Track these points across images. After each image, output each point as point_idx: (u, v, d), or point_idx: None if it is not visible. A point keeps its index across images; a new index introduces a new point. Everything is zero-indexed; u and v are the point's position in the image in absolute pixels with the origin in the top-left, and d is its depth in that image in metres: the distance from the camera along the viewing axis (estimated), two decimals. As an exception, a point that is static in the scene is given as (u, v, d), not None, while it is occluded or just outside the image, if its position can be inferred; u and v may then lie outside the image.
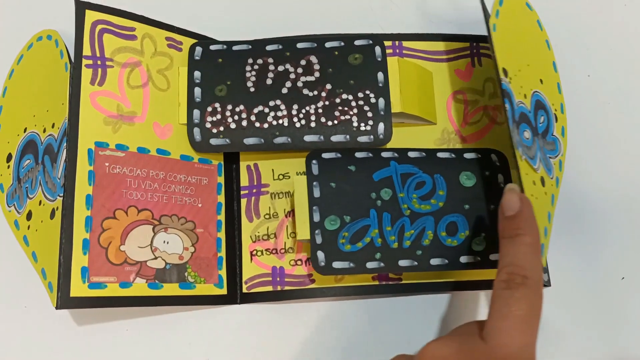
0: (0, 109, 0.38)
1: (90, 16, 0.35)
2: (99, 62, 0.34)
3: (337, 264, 0.34)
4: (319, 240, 0.34)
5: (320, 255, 0.34)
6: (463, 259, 0.34)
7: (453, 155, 0.36)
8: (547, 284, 0.36)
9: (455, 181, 0.36)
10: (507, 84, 0.34)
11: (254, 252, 0.36)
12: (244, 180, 0.38)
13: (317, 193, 0.35)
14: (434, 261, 0.34)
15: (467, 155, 0.36)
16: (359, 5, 0.43)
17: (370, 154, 0.36)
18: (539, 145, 0.35)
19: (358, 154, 0.36)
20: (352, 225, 0.34)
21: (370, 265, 0.34)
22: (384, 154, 0.36)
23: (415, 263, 0.34)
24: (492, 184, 0.36)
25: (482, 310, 0.37)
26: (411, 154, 0.36)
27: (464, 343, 0.27)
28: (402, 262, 0.34)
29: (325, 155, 0.36)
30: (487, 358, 0.26)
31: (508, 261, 0.28)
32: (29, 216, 0.35)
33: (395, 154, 0.36)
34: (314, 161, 0.35)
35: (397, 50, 0.41)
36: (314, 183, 0.35)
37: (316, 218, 0.34)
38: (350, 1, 0.43)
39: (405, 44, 0.41)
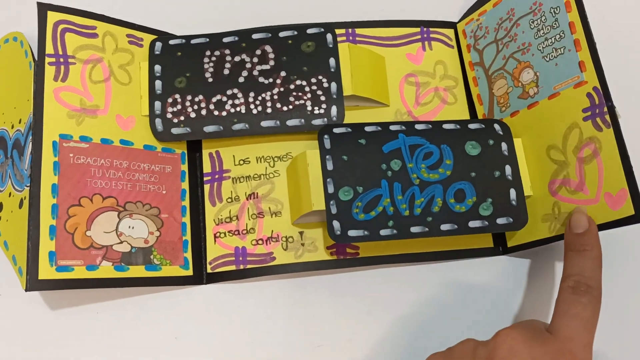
0: (-28, 109, 0.40)
1: (52, 17, 0.37)
2: (61, 60, 0.36)
3: (352, 232, 0.35)
4: (334, 210, 0.35)
5: (336, 224, 0.35)
6: (472, 224, 0.36)
7: (458, 126, 0.38)
8: None
9: (461, 150, 0.37)
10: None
11: (218, 234, 0.38)
12: (206, 167, 0.40)
13: (330, 166, 0.36)
14: (444, 227, 0.36)
15: (472, 126, 0.38)
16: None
17: (379, 128, 0.37)
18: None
19: (367, 128, 0.37)
20: (364, 196, 0.36)
21: (383, 232, 0.35)
22: (392, 127, 0.37)
23: (427, 229, 0.36)
24: (496, 151, 0.37)
25: (429, 282, 0.39)
26: (418, 127, 0.38)
27: (535, 334, 0.31)
28: (414, 229, 0.36)
29: (336, 130, 0.37)
30: (557, 348, 0.30)
31: (575, 271, 0.33)
32: (0, 208, 0.36)
33: (403, 127, 0.37)
34: (325, 136, 0.37)
35: (351, 37, 0.42)
36: (327, 157, 0.36)
37: (330, 190, 0.35)
38: None
39: (358, 30, 0.43)
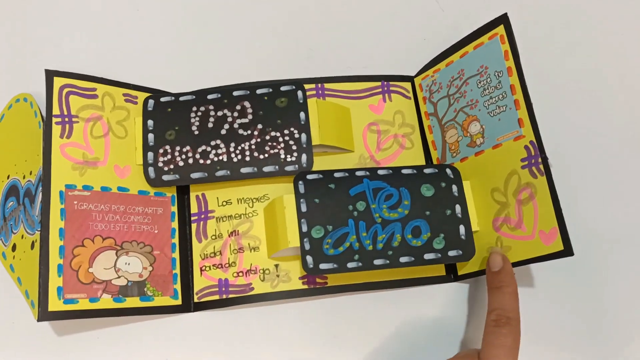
0: (-14, 160, 0.46)
1: (58, 82, 0.42)
2: (66, 119, 0.42)
3: (323, 265, 0.40)
4: (307, 246, 0.40)
5: (309, 259, 0.40)
6: (427, 256, 0.41)
7: (415, 171, 0.43)
8: (571, 252, 0.39)
9: (417, 192, 0.43)
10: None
11: (203, 268, 0.44)
12: (194, 208, 0.45)
13: (304, 208, 0.41)
14: (403, 259, 0.41)
15: (427, 171, 0.43)
16: (286, 55, 0.51)
17: (347, 174, 0.43)
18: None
19: (336, 174, 0.43)
20: (334, 233, 0.41)
21: (350, 265, 0.41)
22: (358, 173, 0.43)
23: (388, 261, 0.41)
24: (448, 193, 0.43)
25: (390, 307, 0.44)
26: (380, 172, 0.43)
27: None
28: (377, 261, 0.41)
29: (309, 177, 0.42)
30: None
31: (496, 306, 0.39)
32: (14, 248, 0.42)
33: (367, 172, 0.43)
34: (300, 182, 0.42)
35: (320, 92, 0.48)
36: (301, 200, 0.41)
37: (304, 228, 0.41)
38: (280, 52, 0.51)
39: (327, 85, 0.49)
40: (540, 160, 0.40)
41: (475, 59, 0.44)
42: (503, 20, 0.43)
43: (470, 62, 0.45)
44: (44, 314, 0.37)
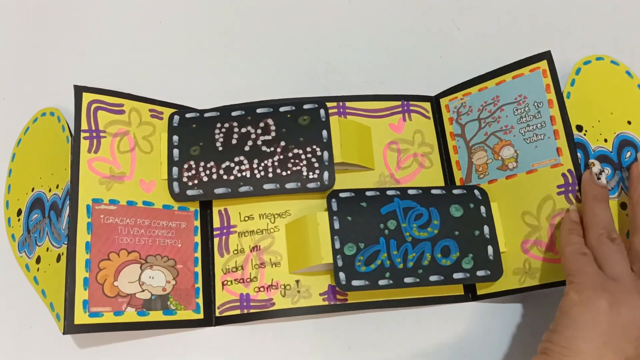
0: (10, 172, 0.46)
1: (87, 97, 0.43)
2: (94, 134, 0.43)
3: (355, 282, 0.41)
4: (340, 263, 0.41)
5: (342, 275, 0.41)
6: (456, 276, 0.42)
7: (444, 192, 0.44)
8: None
9: (446, 212, 0.43)
10: (584, 137, 0.44)
11: (225, 282, 0.44)
12: (216, 223, 0.46)
13: (337, 225, 0.42)
14: (433, 278, 0.42)
15: (456, 191, 0.44)
16: (307, 71, 0.52)
17: (378, 193, 0.43)
18: (621, 176, 0.44)
19: (368, 193, 0.43)
20: (365, 251, 0.42)
21: (381, 282, 0.41)
22: (389, 192, 0.44)
23: (418, 280, 0.41)
24: (476, 214, 0.44)
25: (407, 324, 0.44)
26: (410, 192, 0.44)
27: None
28: (407, 280, 0.41)
29: (342, 195, 0.43)
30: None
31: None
32: (38, 260, 0.42)
33: (398, 192, 0.44)
34: (333, 200, 0.43)
35: (341, 110, 0.49)
36: (334, 217, 0.42)
37: (337, 245, 0.41)
38: (300, 69, 0.52)
39: (348, 104, 0.49)
40: (577, 187, 0.42)
41: (513, 88, 0.46)
42: (546, 56, 0.45)
43: (507, 90, 0.46)
44: (70, 327, 0.38)
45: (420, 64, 0.52)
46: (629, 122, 0.46)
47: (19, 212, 0.44)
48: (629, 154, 0.45)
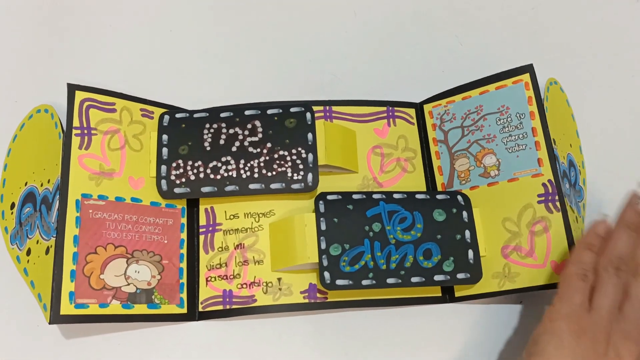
0: (5, 167, 0.48)
1: (79, 95, 0.45)
2: (85, 132, 0.44)
3: (339, 282, 0.42)
4: (325, 263, 0.42)
5: (327, 274, 0.42)
6: (436, 278, 0.43)
7: (428, 197, 0.46)
8: None
9: (429, 216, 0.45)
10: (556, 149, 0.46)
11: (209, 278, 0.45)
12: (202, 220, 0.47)
13: (323, 226, 0.43)
14: (414, 279, 0.43)
15: (439, 197, 0.46)
16: (312, 80, 0.54)
17: (364, 196, 0.45)
18: (573, 193, 0.46)
19: (355, 196, 0.45)
20: (350, 252, 0.43)
21: (365, 282, 0.43)
22: (375, 196, 0.45)
23: (400, 281, 0.43)
24: (458, 218, 0.45)
25: (382, 321, 0.45)
26: (395, 196, 0.45)
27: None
28: (390, 280, 0.43)
29: (329, 197, 0.44)
30: None
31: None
32: (28, 252, 0.43)
33: (383, 196, 0.45)
34: (320, 202, 0.44)
35: (328, 114, 0.50)
36: (321, 219, 0.43)
37: (323, 246, 0.43)
38: (305, 79, 0.53)
39: (334, 108, 0.51)
40: (557, 197, 0.43)
41: (497, 98, 0.48)
42: (529, 69, 0.47)
43: (490, 100, 0.48)
44: (56, 317, 0.39)
45: (419, 77, 0.54)
46: (570, 145, 0.49)
47: (12, 206, 0.46)
48: (572, 173, 0.48)
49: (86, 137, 0.44)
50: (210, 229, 0.47)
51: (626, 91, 0.54)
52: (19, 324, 0.44)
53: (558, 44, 0.56)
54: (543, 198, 0.44)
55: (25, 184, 0.46)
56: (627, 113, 0.53)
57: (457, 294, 0.46)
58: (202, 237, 0.46)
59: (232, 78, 0.53)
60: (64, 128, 0.44)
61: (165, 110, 0.48)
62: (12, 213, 0.46)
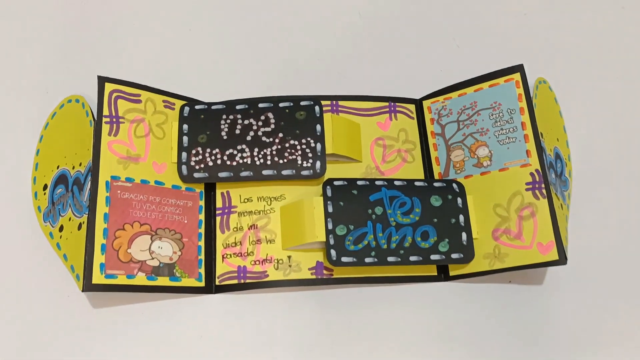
0: (37, 152, 0.52)
1: (108, 87, 0.49)
2: (114, 120, 0.48)
3: (344, 259, 0.46)
4: (332, 241, 0.47)
5: (333, 252, 0.46)
6: (433, 257, 0.48)
7: (426, 184, 0.50)
8: (564, 261, 0.46)
9: (427, 202, 0.49)
10: (543, 142, 0.50)
11: (225, 255, 0.49)
12: (219, 203, 0.51)
13: (330, 209, 0.47)
14: (413, 258, 0.47)
15: (436, 184, 0.50)
16: (320, 78, 0.58)
17: (368, 182, 0.49)
18: (558, 183, 0.51)
19: (359, 182, 0.49)
20: (354, 232, 0.47)
21: (367, 260, 0.47)
22: (377, 182, 0.49)
23: (399, 259, 0.47)
24: (453, 204, 0.49)
25: (383, 297, 0.49)
26: (396, 183, 0.49)
27: None
28: (390, 259, 0.47)
29: (336, 183, 0.49)
30: None
31: None
32: (61, 229, 0.48)
33: (385, 182, 0.49)
34: (328, 187, 0.48)
35: (335, 107, 0.55)
36: (328, 202, 0.48)
37: (330, 226, 0.47)
38: (314, 73, 0.58)
39: (341, 102, 0.55)
40: (543, 185, 0.48)
41: (490, 95, 0.52)
42: (519, 69, 0.51)
43: (484, 96, 0.52)
44: (88, 286, 0.43)
45: (421, 74, 0.58)
46: (557, 139, 0.53)
47: (45, 187, 0.50)
48: (559, 164, 0.52)
49: (115, 125, 0.48)
50: (226, 211, 0.51)
51: (610, 91, 0.59)
52: (50, 295, 0.48)
53: (547, 46, 0.60)
54: (531, 186, 0.48)
55: (57, 167, 0.50)
56: (611, 111, 0.58)
57: (451, 273, 0.50)
58: (218, 219, 0.51)
59: (247, 75, 0.57)
60: (95, 116, 0.48)
61: (185, 102, 0.52)
62: (44, 194, 0.50)
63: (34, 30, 0.58)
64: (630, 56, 0.60)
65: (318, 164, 0.50)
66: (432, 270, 0.51)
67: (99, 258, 0.44)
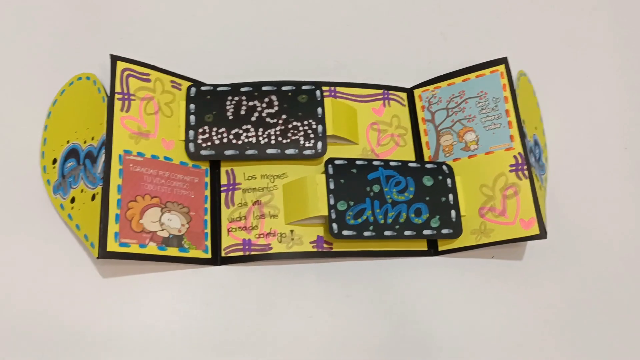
0: (46, 127, 0.53)
1: (120, 65, 0.51)
2: (126, 97, 0.50)
3: (345, 232, 0.50)
4: (333, 216, 0.50)
5: (335, 226, 0.50)
6: (425, 232, 0.52)
7: (419, 165, 0.54)
8: (544, 236, 0.50)
9: (420, 181, 0.53)
10: (525, 128, 0.54)
11: (230, 229, 0.52)
12: (223, 180, 0.54)
13: (332, 186, 0.51)
14: (407, 232, 0.51)
15: (428, 166, 0.54)
16: (319, 65, 0.61)
17: (366, 162, 0.52)
18: (537, 167, 0.55)
19: (358, 162, 0.52)
20: (354, 208, 0.50)
21: (366, 233, 0.50)
22: (375, 162, 0.53)
23: (395, 233, 0.51)
24: (443, 184, 0.53)
25: (377, 270, 0.53)
26: (392, 163, 0.53)
27: None
28: (387, 233, 0.51)
29: (336, 162, 0.52)
30: None
31: None
32: (72, 200, 0.49)
33: (382, 163, 0.53)
34: (329, 165, 0.51)
35: (333, 93, 0.58)
36: (330, 179, 0.51)
37: (332, 202, 0.50)
38: (313, 61, 0.61)
39: (339, 89, 0.58)
40: (525, 167, 0.52)
41: (476, 85, 0.56)
42: (504, 61, 0.56)
43: (471, 86, 0.57)
44: (103, 253, 0.45)
45: (411, 65, 0.62)
46: (535, 128, 0.58)
47: (54, 161, 0.51)
48: (537, 150, 0.57)
49: (126, 102, 0.50)
50: (231, 187, 0.53)
51: (584, 85, 0.64)
52: (59, 263, 0.49)
53: (526, 42, 0.65)
54: (514, 168, 0.53)
55: (67, 142, 0.51)
56: (584, 102, 0.63)
57: (440, 248, 0.54)
58: (223, 195, 0.53)
59: (250, 60, 0.60)
60: (107, 93, 0.50)
61: (191, 83, 0.55)
62: (54, 167, 0.51)
63: (40, 11, 0.59)
64: (600, 53, 0.66)
65: (319, 144, 0.53)
66: (423, 246, 0.54)
67: (113, 227, 0.46)
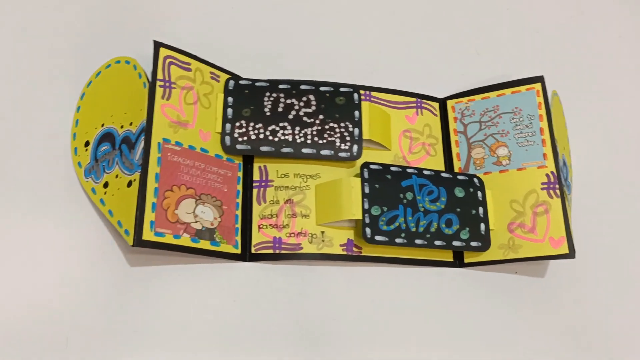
0: (78, 109, 0.52)
1: (163, 52, 0.50)
2: (167, 84, 0.49)
3: (377, 237, 0.50)
4: (367, 220, 0.50)
5: (368, 230, 0.50)
6: (454, 243, 0.52)
7: (451, 176, 0.54)
8: (573, 255, 0.51)
9: (452, 192, 0.53)
10: (558, 148, 0.55)
11: (261, 226, 0.51)
12: (256, 176, 0.53)
13: (367, 190, 0.51)
14: (437, 242, 0.51)
15: (460, 177, 0.54)
16: (354, 69, 0.61)
17: (400, 169, 0.53)
18: (565, 186, 0.55)
19: (392, 168, 0.53)
20: (387, 213, 0.51)
21: (397, 240, 0.50)
22: (409, 170, 0.53)
23: (426, 242, 0.51)
24: (474, 197, 0.54)
25: (404, 278, 0.53)
26: (425, 172, 0.53)
27: None
28: (417, 241, 0.51)
29: (372, 167, 0.52)
30: None
31: None
32: (105, 185, 0.48)
33: (416, 171, 0.53)
34: (365, 169, 0.52)
35: (368, 97, 0.58)
36: (365, 183, 0.51)
37: (366, 206, 0.50)
38: (348, 66, 0.61)
39: (374, 94, 0.58)
40: (557, 186, 0.53)
41: (512, 100, 0.57)
42: (541, 80, 0.57)
43: (506, 101, 0.57)
44: (139, 241, 0.44)
45: (444, 76, 0.63)
46: (564, 148, 0.59)
47: (87, 144, 0.50)
48: (564, 170, 0.57)
49: (167, 89, 0.49)
50: (263, 184, 0.53)
51: (610, 108, 0.65)
52: (89, 249, 0.48)
53: (556, 62, 0.66)
54: (546, 186, 0.53)
55: (102, 125, 0.50)
56: (610, 126, 0.64)
57: (466, 260, 0.54)
58: (255, 191, 0.53)
59: (288, 59, 0.59)
60: (149, 79, 0.49)
61: (230, 76, 0.54)
62: (86, 150, 0.50)
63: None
64: (626, 77, 0.67)
65: (355, 147, 0.53)
66: (449, 257, 0.55)
67: (149, 215, 0.45)
